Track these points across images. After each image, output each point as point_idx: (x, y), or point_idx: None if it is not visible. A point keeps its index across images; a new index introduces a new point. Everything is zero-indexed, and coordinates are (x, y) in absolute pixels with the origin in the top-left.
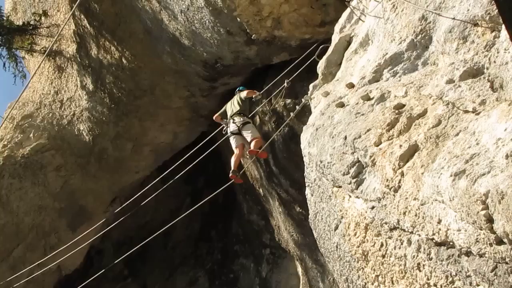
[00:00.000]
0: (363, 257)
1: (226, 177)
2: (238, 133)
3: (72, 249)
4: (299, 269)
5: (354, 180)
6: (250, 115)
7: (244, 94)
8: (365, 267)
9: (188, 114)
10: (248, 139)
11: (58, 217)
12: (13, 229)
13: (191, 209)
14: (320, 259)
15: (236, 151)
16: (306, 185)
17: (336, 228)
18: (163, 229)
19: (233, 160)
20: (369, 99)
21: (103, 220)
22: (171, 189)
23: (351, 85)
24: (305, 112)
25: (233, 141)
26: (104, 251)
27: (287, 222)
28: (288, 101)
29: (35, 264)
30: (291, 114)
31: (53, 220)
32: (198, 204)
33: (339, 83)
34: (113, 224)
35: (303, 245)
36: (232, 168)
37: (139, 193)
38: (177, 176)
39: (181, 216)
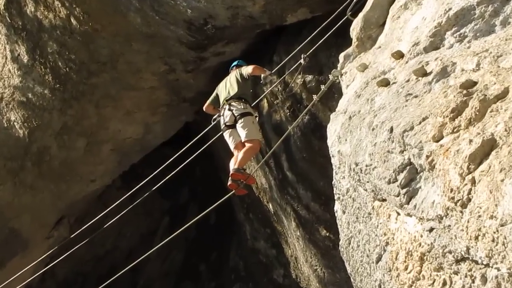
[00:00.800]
0: None
1: (221, 186)
2: (235, 125)
3: None
4: None
5: (404, 190)
6: (253, 104)
7: (248, 70)
8: None
9: (165, 98)
10: (242, 139)
11: None
12: None
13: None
14: None
15: (235, 152)
16: (335, 198)
17: (379, 259)
18: (131, 264)
19: (232, 162)
20: (425, 74)
21: (45, 251)
22: (142, 204)
23: (399, 55)
24: (333, 93)
25: (229, 138)
26: None
27: (308, 251)
28: (309, 78)
29: None
30: (314, 97)
31: None
32: (182, 228)
33: (382, 52)
34: (60, 258)
35: (331, 284)
36: (235, 167)
37: (97, 212)
38: (153, 189)
39: (158, 246)
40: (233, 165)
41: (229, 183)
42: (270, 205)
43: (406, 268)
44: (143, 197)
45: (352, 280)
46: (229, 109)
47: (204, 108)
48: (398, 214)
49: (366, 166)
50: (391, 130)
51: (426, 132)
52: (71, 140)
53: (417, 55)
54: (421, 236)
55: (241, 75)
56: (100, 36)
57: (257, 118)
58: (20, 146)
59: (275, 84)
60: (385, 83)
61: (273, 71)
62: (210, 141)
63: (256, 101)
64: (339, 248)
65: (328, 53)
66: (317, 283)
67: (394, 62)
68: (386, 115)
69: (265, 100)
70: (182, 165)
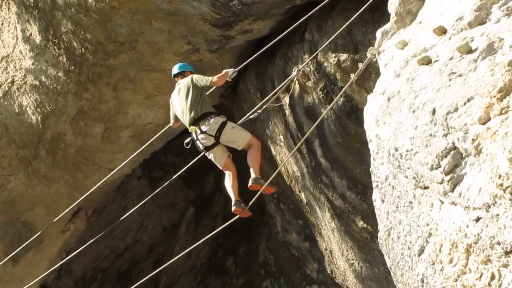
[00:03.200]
0: None
1: (249, 175)
2: (216, 144)
3: None
4: None
5: (448, 177)
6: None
7: (204, 82)
8: None
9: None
10: (239, 148)
11: None
12: None
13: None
14: None
15: (226, 176)
16: (373, 186)
17: (422, 252)
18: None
19: (228, 186)
20: (469, 51)
21: (60, 246)
22: (165, 195)
23: (441, 31)
24: (370, 73)
25: (214, 159)
26: None
27: (344, 243)
28: (344, 57)
29: None
30: (352, 75)
31: None
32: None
33: (423, 28)
34: (76, 251)
35: (369, 279)
36: (234, 199)
37: (116, 203)
38: (175, 176)
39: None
40: (228, 186)
41: (233, 208)
42: (303, 194)
43: (451, 261)
44: (163, 185)
45: (392, 274)
46: (202, 132)
47: (172, 126)
48: (442, 202)
49: (407, 151)
50: (434, 112)
51: (472, 113)
52: (88, 126)
53: (461, 31)
54: (467, 226)
55: (196, 88)
56: (118, 14)
57: (228, 121)
58: (33, 133)
59: (305, 63)
60: (427, 61)
61: (237, 68)
62: (303, 65)
63: (283, 84)
64: (378, 240)
65: (364, 29)
66: (354, 278)
67: (436, 39)
68: (428, 96)
69: (296, 81)
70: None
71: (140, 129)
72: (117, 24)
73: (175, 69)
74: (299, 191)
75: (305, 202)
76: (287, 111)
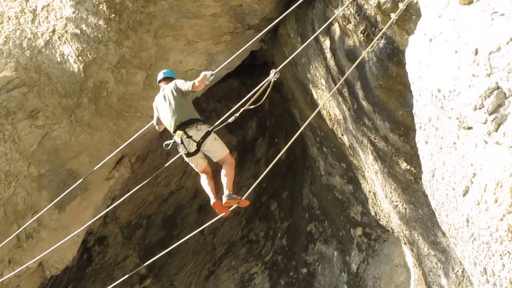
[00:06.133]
0: (510, 235)
1: (292, 119)
2: (198, 151)
3: (60, 237)
4: (409, 258)
5: (492, 117)
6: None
7: (188, 87)
8: None
9: (229, 25)
10: (214, 159)
11: (37, 189)
12: None
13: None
14: (441, 242)
15: (203, 177)
16: (416, 127)
17: (466, 192)
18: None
19: (205, 185)
20: None
21: (105, 193)
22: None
23: None
24: (411, 15)
25: (192, 164)
26: (109, 240)
27: (387, 186)
28: None
29: (4, 262)
30: (391, 17)
31: (29, 193)
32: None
33: None
34: (122, 199)
35: (413, 221)
36: (212, 198)
37: (159, 150)
38: (218, 122)
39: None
40: (206, 187)
41: (212, 203)
42: (345, 137)
43: (496, 201)
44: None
45: (436, 215)
46: (188, 137)
47: (156, 129)
48: (486, 142)
49: (450, 92)
50: (476, 52)
51: None
52: (130, 73)
53: None
54: None
55: (180, 92)
56: None
57: (213, 131)
58: (75, 82)
59: (345, 6)
60: (468, 1)
61: (214, 72)
62: (279, 67)
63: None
64: (422, 181)
65: None
66: (398, 220)
67: None
68: (470, 36)
69: (336, 24)
70: (250, 94)
71: (182, 76)
72: None
73: (160, 75)
74: (342, 134)
75: (348, 145)
76: (328, 55)
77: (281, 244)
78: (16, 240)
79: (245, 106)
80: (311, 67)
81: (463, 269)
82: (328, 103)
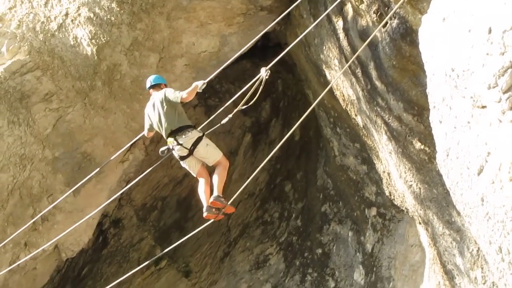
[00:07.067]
0: None
1: (305, 100)
2: (190, 154)
3: (75, 220)
4: (424, 238)
5: (506, 95)
6: (204, 128)
7: (175, 97)
8: None
9: (241, 7)
10: (208, 164)
11: (52, 172)
12: None
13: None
14: (456, 221)
15: (200, 183)
16: (430, 107)
17: (481, 171)
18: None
19: (201, 192)
20: None
21: (120, 176)
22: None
23: None
24: None
25: (188, 168)
26: (124, 222)
27: (401, 165)
28: None
29: (20, 245)
30: None
31: (44, 176)
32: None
33: None
34: (136, 180)
35: (428, 200)
36: (205, 205)
37: None
38: (229, 102)
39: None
40: (201, 193)
41: (204, 214)
42: (359, 118)
43: (510, 179)
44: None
45: (451, 194)
46: (178, 144)
47: (146, 135)
48: (500, 121)
49: (463, 71)
50: (490, 30)
51: None
52: (143, 56)
53: None
54: None
55: (169, 102)
56: None
57: (204, 136)
58: (89, 65)
59: (275, 60)
60: None
61: (206, 80)
62: (271, 64)
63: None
64: (436, 161)
65: None
66: (413, 200)
67: None
68: (483, 14)
69: (349, 4)
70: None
71: (195, 58)
72: None
73: (149, 82)
74: (355, 115)
75: (362, 126)
76: (341, 35)
77: (295, 225)
78: (32, 224)
79: (238, 107)
80: (324, 47)
81: (478, 248)
82: (341, 83)
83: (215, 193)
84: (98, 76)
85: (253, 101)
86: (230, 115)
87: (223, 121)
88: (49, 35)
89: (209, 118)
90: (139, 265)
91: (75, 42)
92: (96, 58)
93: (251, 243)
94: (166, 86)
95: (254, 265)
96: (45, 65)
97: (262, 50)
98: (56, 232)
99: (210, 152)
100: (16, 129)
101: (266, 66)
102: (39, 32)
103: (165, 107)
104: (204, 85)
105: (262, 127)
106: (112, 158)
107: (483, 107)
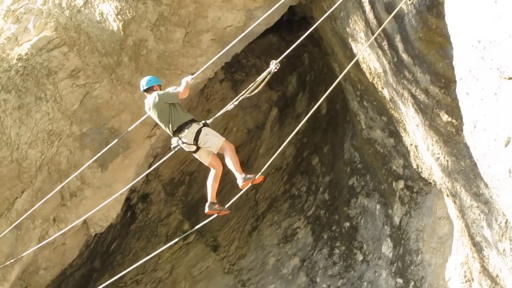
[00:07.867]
0: None
1: (331, 73)
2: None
3: (103, 195)
4: (452, 210)
5: None
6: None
7: (173, 98)
8: None
9: None
10: (214, 151)
11: (79, 148)
12: (13, 169)
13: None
14: (484, 193)
15: (210, 174)
16: (457, 79)
17: (508, 142)
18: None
19: (209, 185)
20: None
21: (147, 151)
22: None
23: None
24: None
25: (200, 158)
26: (152, 197)
27: (429, 138)
28: None
29: (49, 221)
30: None
31: (72, 152)
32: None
33: None
34: (164, 157)
35: (455, 173)
36: (209, 200)
37: (200, 106)
38: (259, 79)
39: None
40: (209, 185)
41: (206, 210)
42: (385, 91)
43: None
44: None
45: (479, 166)
46: (183, 142)
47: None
48: None
49: (490, 42)
50: None
51: None
52: (169, 31)
53: None
54: None
55: (164, 104)
56: None
57: (205, 125)
58: (115, 40)
59: (282, 56)
60: None
61: (194, 75)
62: (285, 53)
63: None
64: (463, 133)
65: None
66: (440, 172)
67: None
68: None
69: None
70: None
71: (221, 32)
72: None
73: (142, 86)
74: (382, 88)
75: (388, 99)
76: (367, 8)
77: (323, 199)
78: (60, 198)
79: (243, 94)
80: (350, 20)
81: (507, 220)
82: (367, 56)
83: (238, 175)
84: (125, 52)
85: (256, 90)
86: (236, 102)
87: (228, 107)
88: (75, 11)
89: (236, 93)
90: (167, 240)
91: (101, 17)
92: (122, 33)
93: (278, 217)
94: (160, 87)
95: (282, 239)
96: (71, 41)
97: (288, 23)
98: (84, 208)
99: (210, 140)
100: (44, 105)
101: (292, 39)
102: (65, 8)
103: (161, 109)
104: (192, 80)
105: (289, 101)
106: (129, 128)
107: (510, 78)
